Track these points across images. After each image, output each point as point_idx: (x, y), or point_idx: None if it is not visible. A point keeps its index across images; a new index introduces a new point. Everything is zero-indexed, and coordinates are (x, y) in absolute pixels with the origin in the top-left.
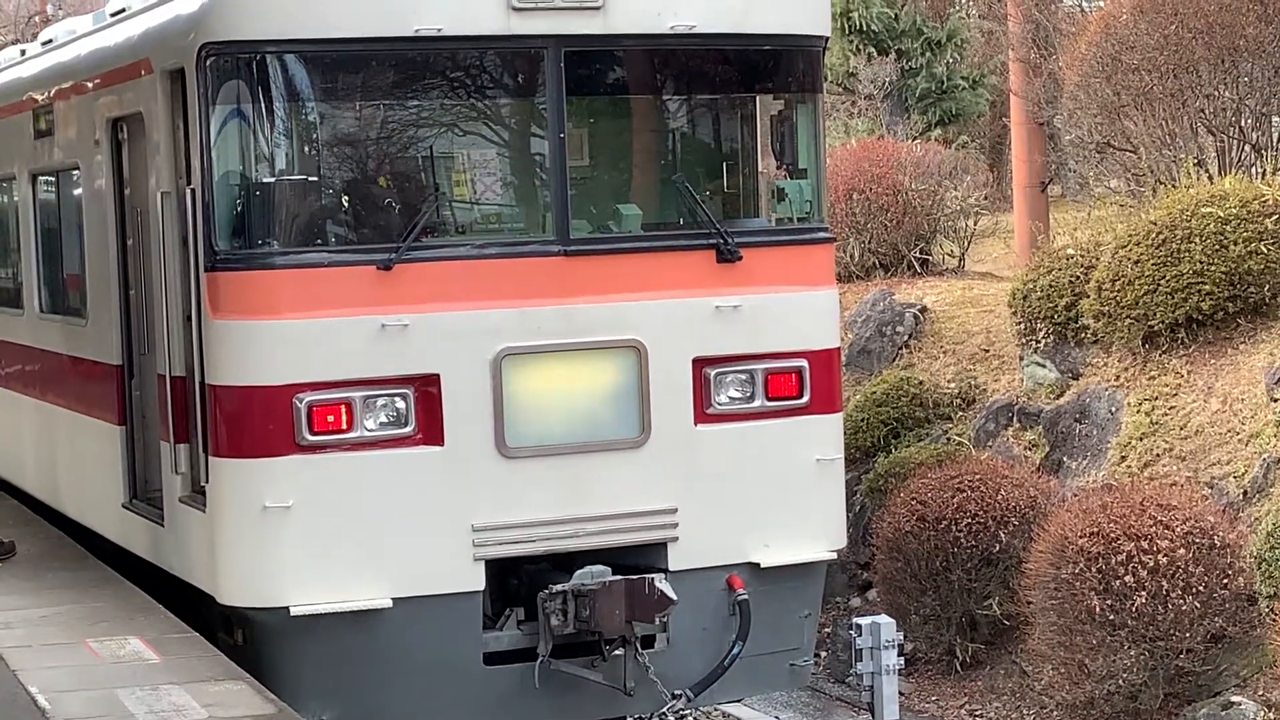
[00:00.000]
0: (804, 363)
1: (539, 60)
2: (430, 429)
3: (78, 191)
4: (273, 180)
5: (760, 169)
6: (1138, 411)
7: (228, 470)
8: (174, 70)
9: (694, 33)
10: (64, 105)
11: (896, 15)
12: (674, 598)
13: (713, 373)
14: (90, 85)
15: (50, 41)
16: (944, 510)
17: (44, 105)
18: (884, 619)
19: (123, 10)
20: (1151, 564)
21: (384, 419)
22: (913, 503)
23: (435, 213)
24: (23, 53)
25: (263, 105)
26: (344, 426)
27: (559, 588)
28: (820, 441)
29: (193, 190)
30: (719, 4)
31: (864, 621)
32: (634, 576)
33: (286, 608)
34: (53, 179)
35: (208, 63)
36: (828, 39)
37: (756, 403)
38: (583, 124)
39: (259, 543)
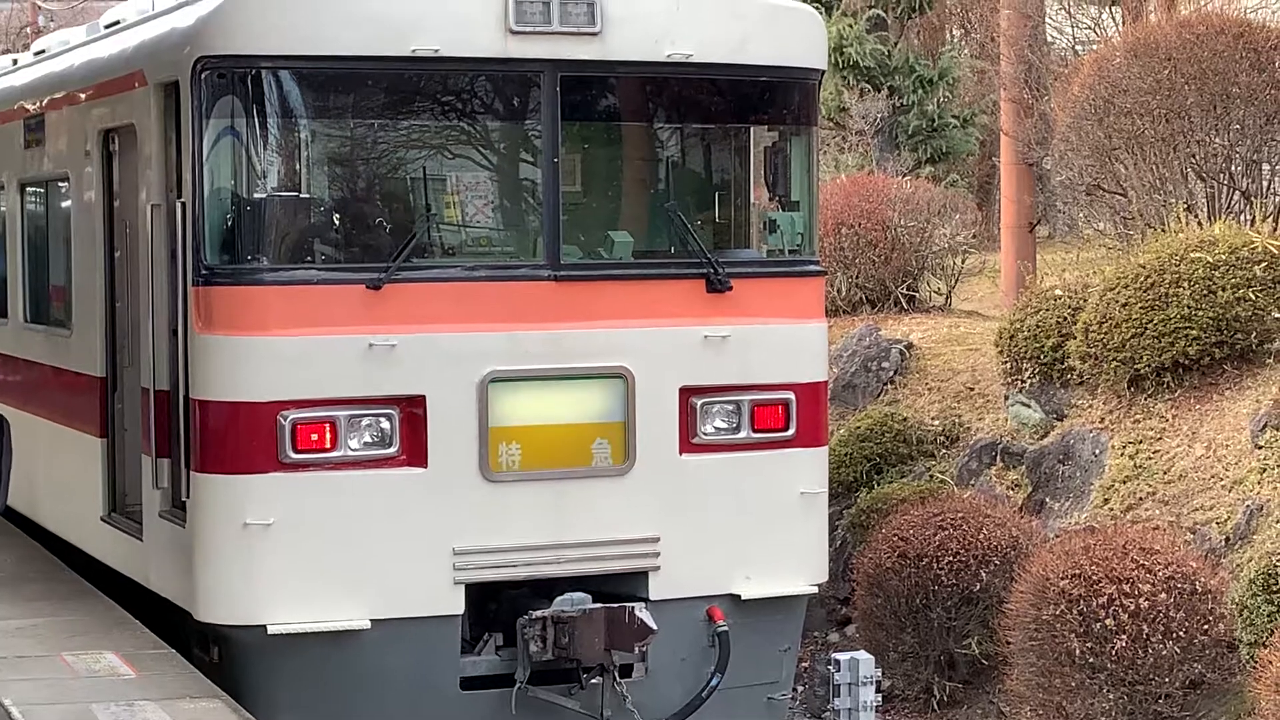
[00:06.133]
0: (791, 395)
1: (535, 84)
2: (414, 450)
3: (66, 203)
4: (264, 196)
5: (753, 200)
6: (1122, 454)
7: (209, 486)
8: (168, 83)
9: (691, 61)
10: (56, 115)
11: (889, 52)
12: (654, 627)
13: (699, 402)
14: (83, 96)
15: (43, 51)
16: (925, 547)
17: (35, 115)
18: (862, 655)
19: (117, 22)
20: (1132, 608)
21: (368, 439)
22: (894, 539)
23: (426, 234)
24: (15, 62)
25: (257, 121)
26: (327, 445)
27: (539, 614)
28: (805, 475)
29: (183, 204)
30: (717, 33)
31: (842, 657)
32: (614, 605)
33: (264, 626)
34: (41, 189)
35: (203, 76)
36: (824, 72)
37: (742, 434)
38: (576, 149)
39: (238, 560)
